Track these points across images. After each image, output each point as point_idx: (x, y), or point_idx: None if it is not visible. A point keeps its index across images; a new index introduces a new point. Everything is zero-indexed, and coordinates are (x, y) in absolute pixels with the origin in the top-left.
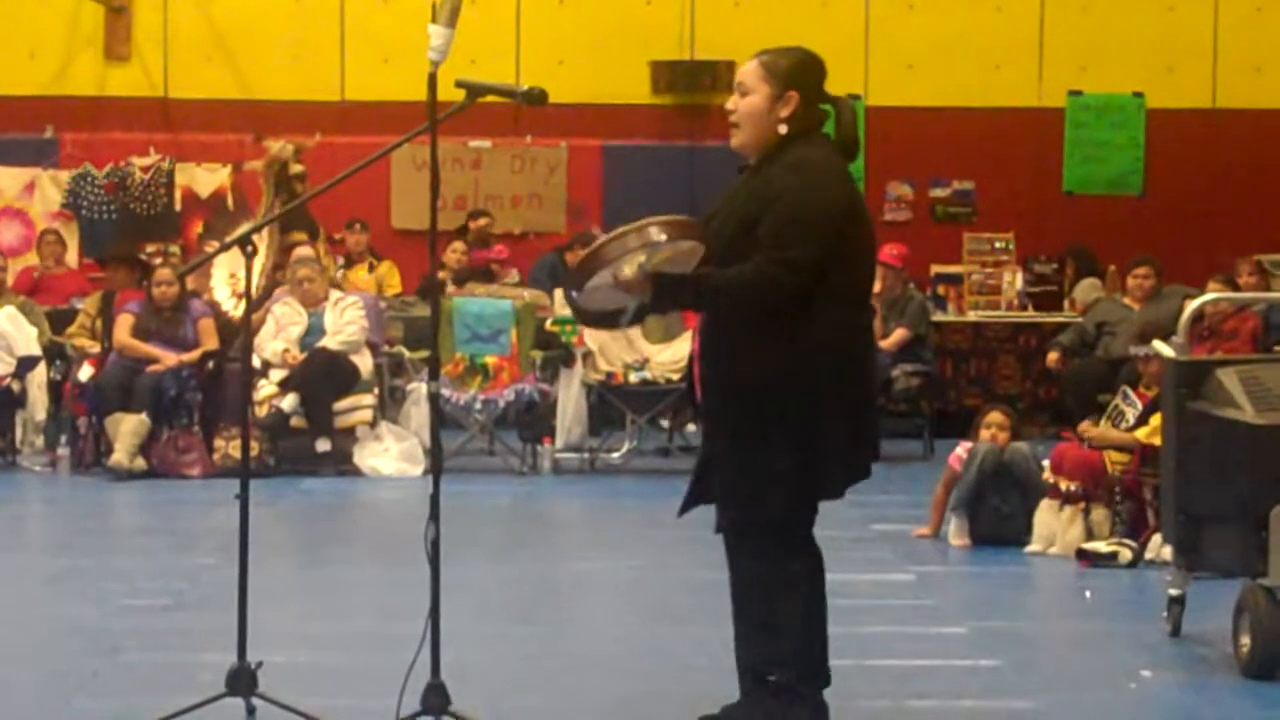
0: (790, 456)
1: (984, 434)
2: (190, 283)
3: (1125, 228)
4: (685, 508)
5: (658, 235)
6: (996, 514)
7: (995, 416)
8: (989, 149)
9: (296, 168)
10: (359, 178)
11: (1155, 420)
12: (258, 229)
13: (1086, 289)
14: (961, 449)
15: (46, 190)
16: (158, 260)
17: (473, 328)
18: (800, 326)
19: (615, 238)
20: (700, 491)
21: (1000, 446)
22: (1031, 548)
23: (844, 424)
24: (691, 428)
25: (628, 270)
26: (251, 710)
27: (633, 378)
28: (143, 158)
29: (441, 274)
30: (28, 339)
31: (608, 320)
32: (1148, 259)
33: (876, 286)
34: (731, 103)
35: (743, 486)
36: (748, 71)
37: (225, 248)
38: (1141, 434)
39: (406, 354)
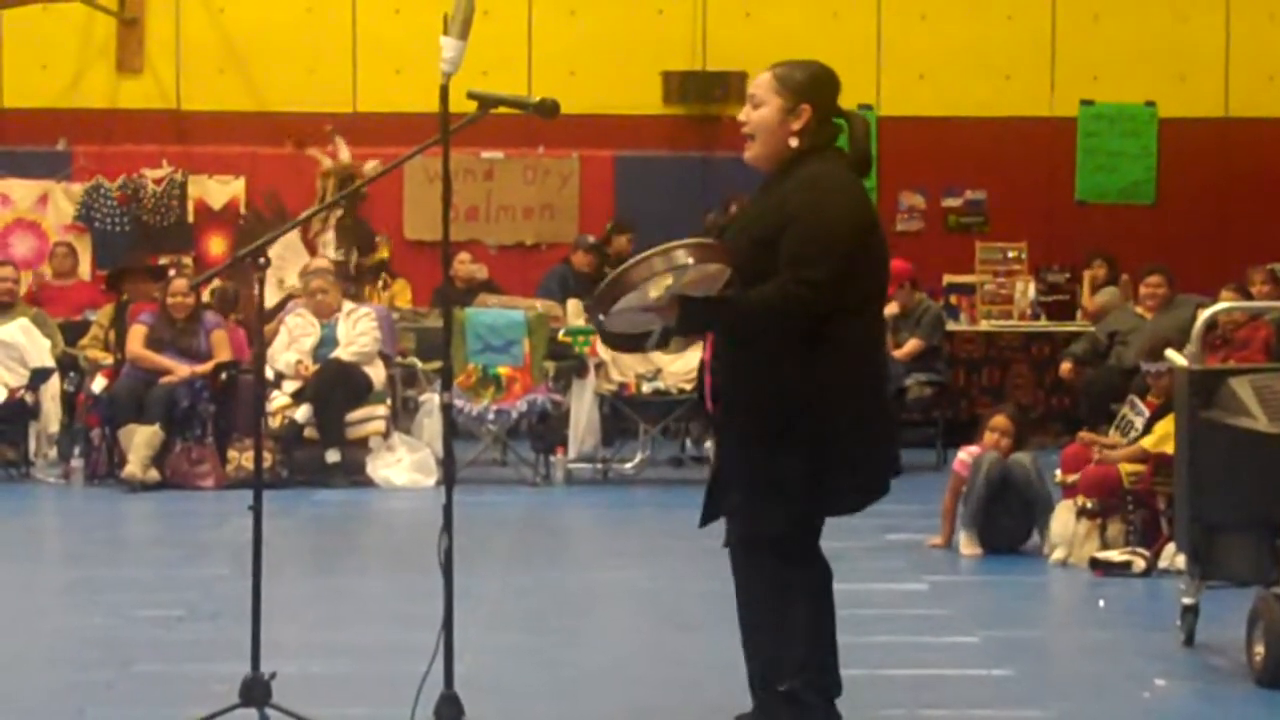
0: (799, 470)
1: (988, 438)
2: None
3: (1137, 237)
4: (705, 519)
5: (684, 259)
6: (999, 524)
7: (999, 421)
8: (1001, 159)
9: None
10: (371, 189)
11: (1159, 429)
12: (275, 238)
13: (1110, 294)
14: (965, 454)
15: (59, 202)
16: (171, 272)
17: (485, 338)
18: (814, 339)
19: (642, 261)
20: (717, 503)
21: (1002, 453)
22: (1056, 555)
23: (855, 439)
24: (707, 444)
25: (653, 293)
26: None
27: (645, 388)
28: (155, 170)
29: None
30: (41, 351)
31: (633, 343)
32: (1160, 268)
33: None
34: (744, 114)
35: (751, 499)
36: (761, 83)
37: (237, 260)
38: (1146, 443)
39: (419, 365)
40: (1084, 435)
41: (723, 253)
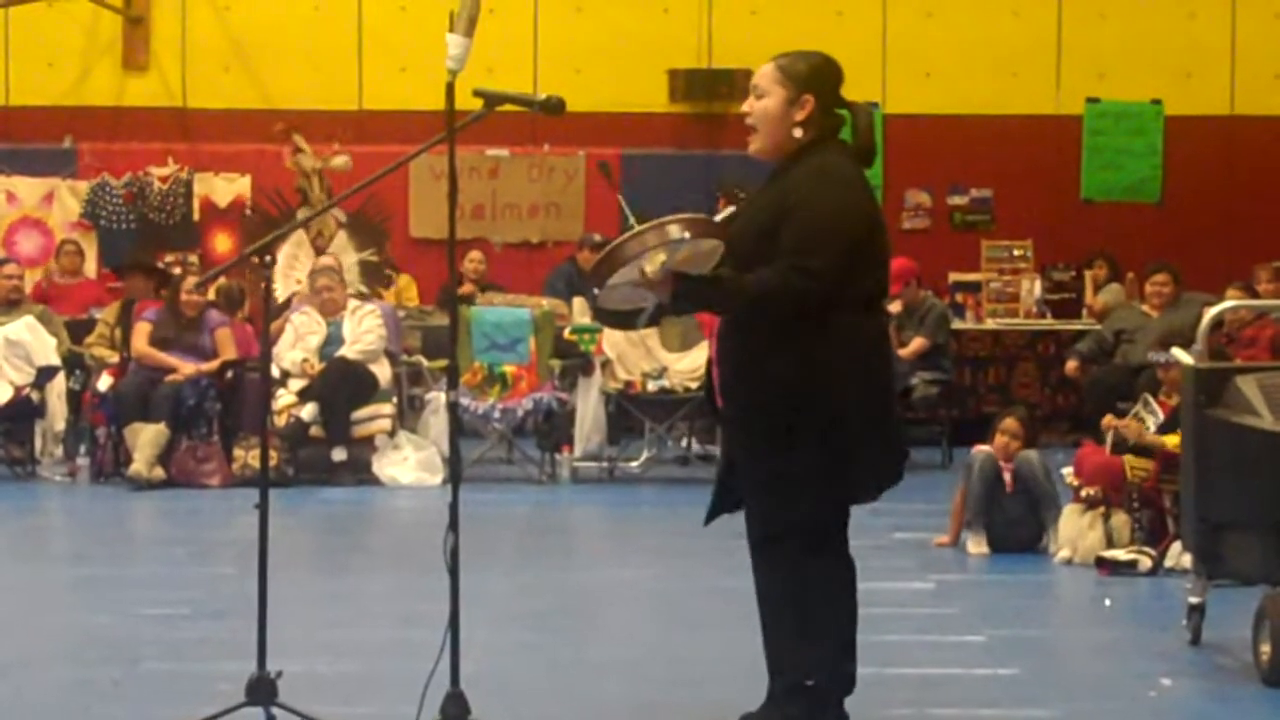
0: (812, 461)
1: (998, 440)
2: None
3: (1143, 235)
4: (711, 516)
5: (678, 234)
6: (1004, 520)
7: (1010, 424)
8: (1007, 157)
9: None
10: (377, 187)
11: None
12: (279, 237)
13: (1113, 293)
14: (976, 452)
15: (65, 200)
16: (176, 270)
17: (491, 336)
18: (817, 332)
19: (635, 235)
20: (725, 499)
21: (1008, 454)
22: (1060, 555)
23: (865, 427)
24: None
25: (648, 268)
26: (271, 719)
27: (651, 386)
28: (161, 167)
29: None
30: (46, 349)
31: (625, 319)
32: (1166, 266)
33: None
34: (747, 105)
35: (768, 494)
36: (764, 74)
37: (244, 258)
38: (1171, 441)
39: (425, 363)
40: (1108, 420)
41: (716, 228)
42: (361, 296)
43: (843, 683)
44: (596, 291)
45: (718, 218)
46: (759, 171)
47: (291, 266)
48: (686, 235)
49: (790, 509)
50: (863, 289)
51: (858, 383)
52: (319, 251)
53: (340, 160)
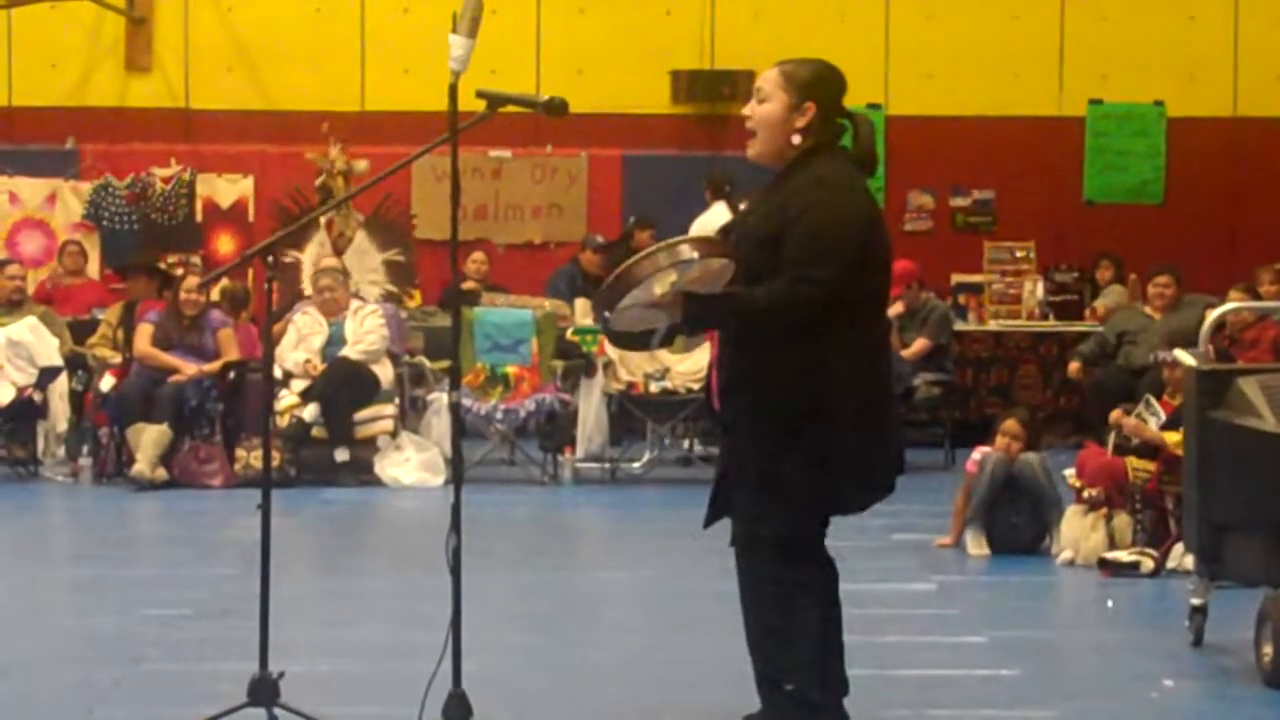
0: (805, 470)
1: (999, 441)
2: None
3: (1146, 237)
4: (710, 520)
5: (689, 253)
6: (1008, 523)
7: (1010, 425)
8: (1009, 158)
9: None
10: (380, 188)
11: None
12: (282, 237)
13: (1115, 294)
14: (977, 453)
15: (68, 201)
16: (179, 271)
17: (493, 337)
18: (817, 339)
19: (646, 256)
20: (723, 503)
21: (1011, 457)
22: (1063, 556)
23: (860, 438)
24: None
25: (659, 289)
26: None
27: (653, 387)
28: (164, 168)
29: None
30: (49, 349)
31: (639, 341)
32: (1168, 268)
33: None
34: (749, 109)
35: (757, 499)
36: (767, 79)
37: (246, 259)
38: (1172, 439)
39: (427, 364)
40: (1117, 415)
41: (727, 248)
42: (390, 297)
43: (835, 686)
44: (608, 314)
45: (706, 212)
46: (760, 174)
47: (316, 265)
48: (696, 255)
49: (779, 514)
50: (864, 295)
51: (856, 389)
52: (339, 252)
53: (363, 164)
